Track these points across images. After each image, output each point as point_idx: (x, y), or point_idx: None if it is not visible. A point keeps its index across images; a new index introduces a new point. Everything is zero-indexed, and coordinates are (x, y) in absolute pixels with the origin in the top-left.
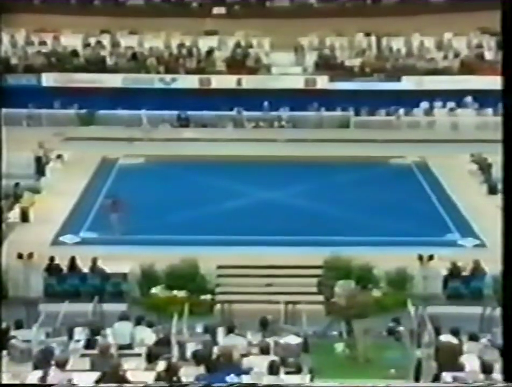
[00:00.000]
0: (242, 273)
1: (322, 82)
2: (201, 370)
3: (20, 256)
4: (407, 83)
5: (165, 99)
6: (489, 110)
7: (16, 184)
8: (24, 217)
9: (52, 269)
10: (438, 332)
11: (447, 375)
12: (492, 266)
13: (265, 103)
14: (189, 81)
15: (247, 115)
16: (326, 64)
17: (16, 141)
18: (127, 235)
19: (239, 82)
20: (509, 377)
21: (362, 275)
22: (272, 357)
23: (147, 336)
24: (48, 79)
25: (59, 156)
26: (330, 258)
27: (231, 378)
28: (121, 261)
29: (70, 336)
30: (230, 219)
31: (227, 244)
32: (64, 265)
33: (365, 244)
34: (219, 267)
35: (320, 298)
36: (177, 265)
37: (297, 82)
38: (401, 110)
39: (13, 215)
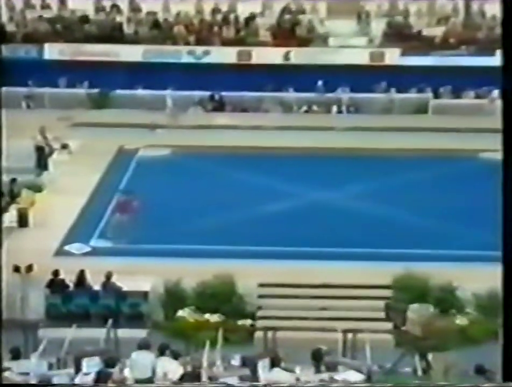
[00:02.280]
0: (289, 293)
1: (393, 56)
2: None
3: (16, 269)
4: None
5: (195, 76)
6: None
7: (13, 180)
8: (22, 220)
9: (56, 285)
10: None
11: None
12: None
13: (320, 82)
14: (225, 55)
15: (297, 97)
16: (398, 34)
17: (13, 127)
18: (144, 243)
19: (286, 56)
20: (509, 377)
21: (442, 297)
22: None
23: (172, 369)
24: (52, 51)
25: (65, 146)
26: (401, 276)
27: None
28: (141, 276)
29: (78, 368)
30: (275, 226)
31: (271, 257)
32: (71, 280)
33: (446, 258)
34: (261, 285)
35: (389, 325)
36: (209, 282)
37: (360, 56)
38: (495, 92)
39: (9, 218)
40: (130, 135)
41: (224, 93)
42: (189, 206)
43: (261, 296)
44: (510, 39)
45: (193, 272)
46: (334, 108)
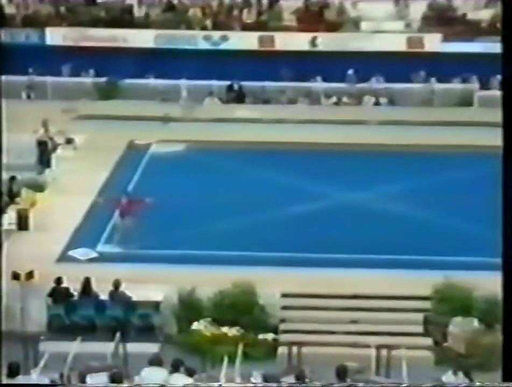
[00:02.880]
0: (316, 304)
1: (433, 42)
2: None
3: (15, 276)
4: None
5: (212, 64)
6: None
7: (12, 178)
8: (21, 223)
9: (58, 294)
10: None
11: None
12: None
13: (351, 71)
14: (245, 41)
15: (325, 88)
16: (439, 18)
17: (12, 119)
18: (155, 249)
19: (313, 42)
20: (509, 377)
21: (488, 310)
22: None
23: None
24: (55, 36)
25: (69, 141)
26: (442, 286)
27: None
28: (152, 285)
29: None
30: (300, 229)
31: (296, 264)
32: (75, 289)
33: (491, 267)
34: (285, 295)
35: (428, 340)
36: (227, 291)
37: (396, 42)
38: None
39: (7, 220)
40: (141, 129)
41: (243, 83)
42: (205, 208)
43: (284, 308)
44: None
45: (209, 281)
46: (367, 100)
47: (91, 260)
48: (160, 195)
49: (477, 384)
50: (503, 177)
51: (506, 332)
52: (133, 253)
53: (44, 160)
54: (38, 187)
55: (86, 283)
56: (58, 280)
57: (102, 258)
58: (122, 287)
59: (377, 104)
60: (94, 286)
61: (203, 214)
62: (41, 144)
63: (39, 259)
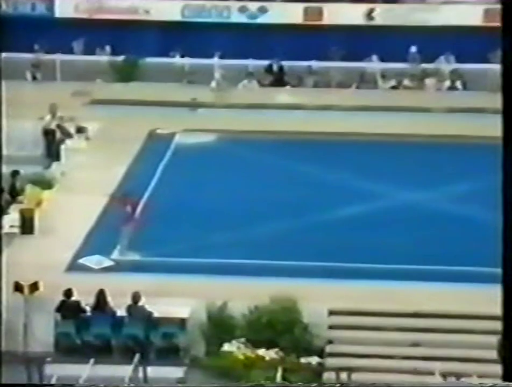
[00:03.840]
0: (369, 323)
1: None
2: None
3: (18, 288)
4: None
5: (248, 40)
6: None
7: (14, 173)
8: (25, 225)
9: (68, 308)
10: None
11: None
12: None
13: (413, 48)
14: (288, 13)
15: (382, 68)
16: None
17: (16, 104)
18: (180, 256)
19: (369, 14)
20: (509, 377)
21: None
22: None
23: None
24: (65, 7)
25: (81, 129)
26: None
27: None
28: (177, 299)
29: None
30: (351, 235)
31: (346, 276)
32: (87, 303)
33: None
34: (332, 313)
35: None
36: (264, 307)
37: (470, 15)
38: None
39: (9, 222)
40: (165, 116)
41: (285, 63)
42: (238, 209)
43: (331, 327)
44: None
45: (244, 294)
46: (433, 83)
47: (106, 269)
48: (186, 194)
49: (478, 383)
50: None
51: (506, 332)
52: (155, 261)
53: (51, 152)
54: (45, 184)
55: (101, 296)
56: (68, 293)
57: (119, 267)
58: (142, 301)
59: (444, 87)
60: (110, 299)
61: (236, 217)
62: (48, 134)
63: (45, 268)
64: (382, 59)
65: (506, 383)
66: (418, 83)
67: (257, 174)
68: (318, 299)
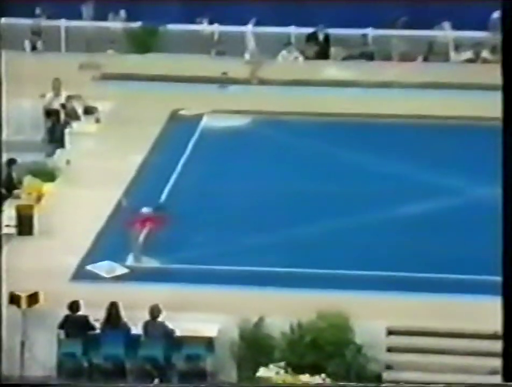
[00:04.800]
0: (437, 345)
1: None
2: None
3: (14, 300)
4: None
5: (289, 4)
6: None
7: (10, 162)
8: (23, 224)
9: (74, 325)
10: None
11: None
12: None
13: (495, 14)
14: None
15: (455, 37)
16: None
17: (12, 79)
18: (208, 263)
19: None
20: (509, 377)
21: None
22: None
23: None
24: None
25: (90, 110)
26: None
27: None
28: (204, 314)
29: None
30: (415, 239)
31: (408, 287)
32: (97, 318)
33: None
34: (392, 332)
35: None
36: (309, 325)
37: None
38: None
39: (4, 220)
40: (190, 95)
41: (332, 31)
42: (276, 206)
43: (391, 350)
44: None
45: (284, 309)
46: None
47: (119, 278)
48: (213, 188)
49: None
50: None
51: (506, 332)
52: (177, 269)
53: (55, 137)
54: (47, 175)
55: (112, 310)
56: (73, 306)
57: (134, 275)
58: (162, 317)
59: None
60: (123, 314)
61: (273, 216)
62: (51, 115)
63: (46, 275)
64: (455, 26)
65: (506, 383)
66: (499, 55)
67: (298, 164)
68: (374, 316)
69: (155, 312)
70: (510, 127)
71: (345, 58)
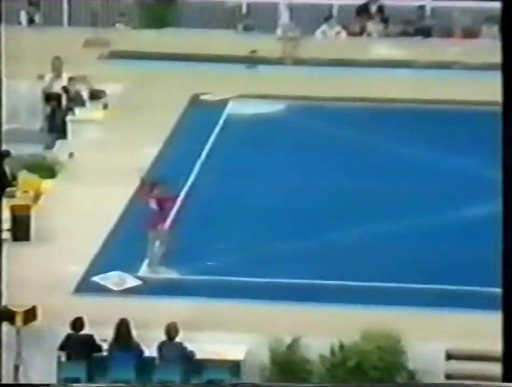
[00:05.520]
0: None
1: None
2: None
3: (8, 316)
4: None
5: None
6: None
7: (4, 155)
8: (18, 228)
9: (77, 345)
10: None
11: None
12: None
13: None
14: None
15: None
16: None
17: (7, 57)
18: (233, 274)
19: None
20: (509, 377)
21: None
22: None
23: None
24: None
25: (96, 94)
26: None
27: None
28: (229, 333)
29: None
30: (477, 246)
31: (471, 303)
32: (103, 338)
33: None
34: (451, 356)
35: None
36: (352, 346)
37: None
38: None
39: None
40: (213, 76)
41: (385, 1)
42: (314, 206)
43: (450, 376)
44: None
45: (322, 328)
46: None
47: (130, 291)
48: (240, 185)
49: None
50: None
51: (506, 332)
52: (198, 281)
53: (55, 125)
54: (46, 171)
55: (122, 328)
56: (77, 324)
57: (148, 288)
58: (180, 337)
59: None
60: (135, 334)
61: (310, 218)
62: (51, 99)
63: (45, 288)
64: None
65: (506, 383)
66: None
67: (339, 159)
68: (430, 336)
69: (172, 331)
70: None
71: (397, 35)
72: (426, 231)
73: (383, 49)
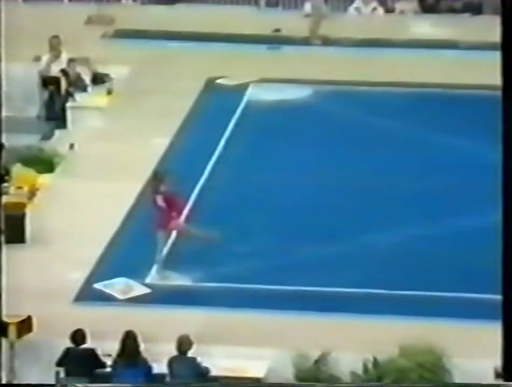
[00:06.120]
0: None
1: None
2: None
3: (0, 328)
4: None
5: None
6: None
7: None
8: (12, 229)
9: (78, 360)
10: None
11: None
12: None
13: None
14: None
15: None
16: None
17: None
18: (252, 281)
19: None
20: (509, 377)
21: None
22: None
23: None
24: None
25: (99, 78)
26: None
27: None
28: (248, 347)
29: None
30: None
31: None
32: (106, 352)
33: None
34: (500, 375)
35: None
36: (389, 362)
37: None
38: None
39: None
40: (231, 58)
41: None
42: (345, 204)
43: None
44: None
45: (354, 342)
46: None
47: (137, 300)
48: (263, 180)
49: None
50: None
51: (506, 332)
52: (213, 289)
53: (53, 113)
54: (43, 164)
55: (128, 341)
56: (77, 336)
57: (158, 296)
58: (193, 351)
59: None
60: (143, 347)
61: (340, 216)
62: (49, 84)
63: (42, 296)
64: None
65: (506, 383)
66: None
67: (374, 150)
68: (477, 352)
69: (184, 344)
70: None
71: (442, 11)
72: (478, 232)
73: (425, 28)
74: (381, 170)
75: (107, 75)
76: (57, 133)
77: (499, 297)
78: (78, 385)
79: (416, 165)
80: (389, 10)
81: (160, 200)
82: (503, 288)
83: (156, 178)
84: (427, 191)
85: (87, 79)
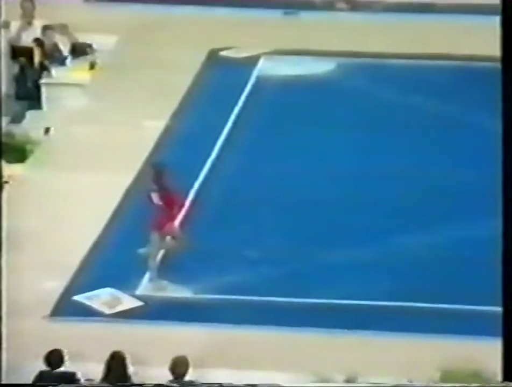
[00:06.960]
0: None
1: None
2: None
3: None
4: None
5: None
6: None
7: None
8: None
9: (54, 385)
10: None
11: None
12: None
13: None
14: None
15: None
16: None
17: None
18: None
19: None
20: (509, 377)
21: None
22: None
23: None
24: None
25: (80, 48)
26: None
27: None
28: (258, 371)
29: None
30: None
31: None
32: (90, 377)
33: None
34: None
35: None
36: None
37: None
38: None
39: None
40: (238, 26)
41: None
42: (371, 199)
43: None
44: None
45: (387, 363)
46: None
47: (125, 314)
48: (276, 170)
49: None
50: None
51: (506, 332)
52: (216, 301)
53: (25, 90)
54: (14, 152)
55: (115, 364)
56: (54, 357)
57: (150, 310)
58: (191, 375)
59: None
60: (132, 371)
61: (368, 214)
62: (19, 55)
63: (12, 309)
64: None
65: (506, 383)
66: None
67: (411, 134)
68: None
69: (179, 367)
70: None
71: None
72: None
73: None
74: (415, 158)
75: (89, 45)
76: (30, 114)
77: None
78: None
79: (460, 152)
80: None
81: (156, 198)
82: None
83: (154, 171)
84: (473, 184)
85: (65, 50)
